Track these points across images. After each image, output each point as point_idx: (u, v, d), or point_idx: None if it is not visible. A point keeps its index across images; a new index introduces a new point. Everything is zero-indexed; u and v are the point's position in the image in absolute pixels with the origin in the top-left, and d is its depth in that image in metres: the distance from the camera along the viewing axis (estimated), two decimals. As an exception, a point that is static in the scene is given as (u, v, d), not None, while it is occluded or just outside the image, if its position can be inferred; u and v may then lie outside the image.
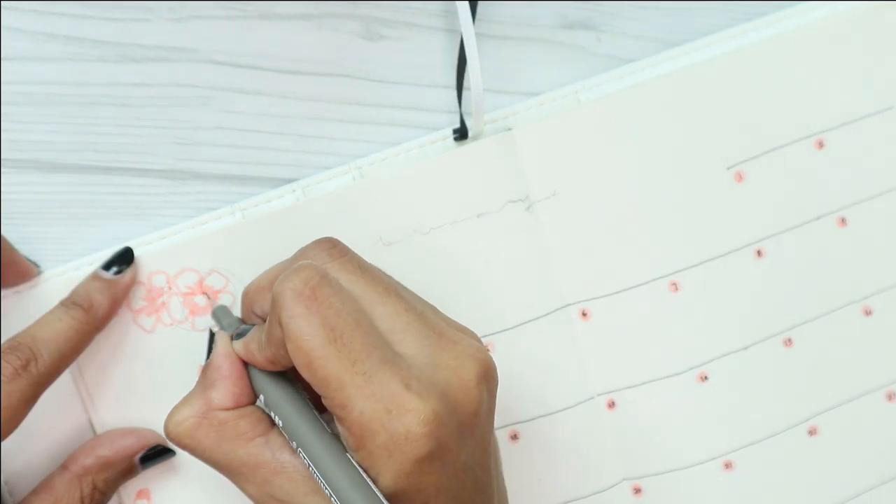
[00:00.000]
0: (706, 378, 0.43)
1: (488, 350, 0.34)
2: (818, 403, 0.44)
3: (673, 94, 0.42)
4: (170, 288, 0.39)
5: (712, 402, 0.43)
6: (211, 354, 0.35)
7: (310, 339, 0.31)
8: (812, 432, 0.44)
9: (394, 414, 0.30)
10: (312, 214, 0.39)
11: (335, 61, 0.40)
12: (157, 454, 0.39)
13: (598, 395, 0.42)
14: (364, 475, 0.31)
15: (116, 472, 0.38)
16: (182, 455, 0.39)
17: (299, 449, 0.32)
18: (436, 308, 0.35)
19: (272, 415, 0.33)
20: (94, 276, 0.37)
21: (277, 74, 0.40)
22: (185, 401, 0.34)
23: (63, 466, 0.37)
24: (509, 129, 0.41)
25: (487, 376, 0.33)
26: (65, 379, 0.38)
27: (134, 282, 0.38)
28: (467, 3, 0.39)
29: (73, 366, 0.38)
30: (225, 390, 0.34)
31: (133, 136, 0.39)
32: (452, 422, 0.31)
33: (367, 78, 0.41)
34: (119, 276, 0.38)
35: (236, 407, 0.34)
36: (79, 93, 0.38)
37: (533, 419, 0.42)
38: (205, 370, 0.35)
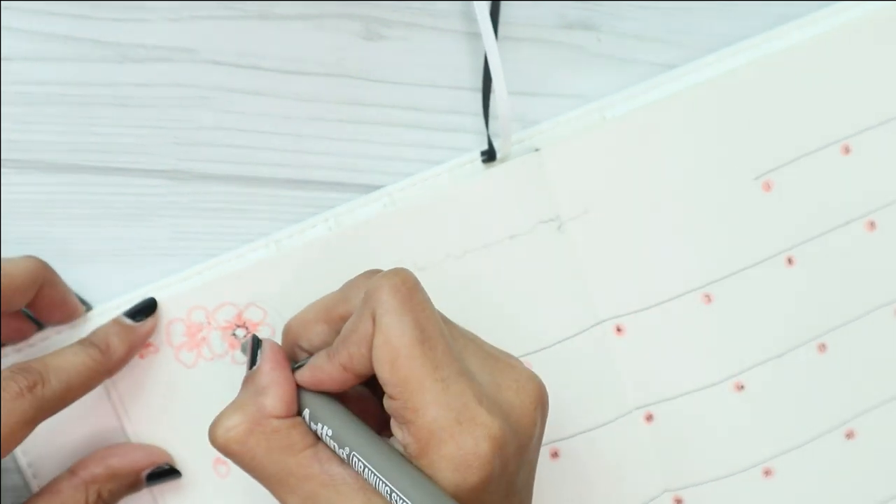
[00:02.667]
0: (742, 387, 0.43)
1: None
2: (854, 406, 0.44)
3: (696, 106, 0.42)
4: (209, 323, 0.39)
5: (749, 410, 0.43)
6: (258, 361, 0.34)
7: (401, 335, 0.31)
8: (850, 435, 0.44)
9: (464, 426, 0.30)
10: (345, 244, 0.40)
11: (335, 61, 0.40)
12: (164, 473, 0.39)
13: (636, 408, 0.42)
14: (428, 478, 0.30)
15: (122, 485, 0.38)
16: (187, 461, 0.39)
17: (354, 455, 0.31)
18: (480, 337, 0.35)
19: (319, 427, 0.33)
20: (115, 322, 0.38)
21: (277, 74, 0.40)
22: (235, 407, 0.33)
23: (71, 471, 0.37)
24: (537, 150, 0.41)
25: (543, 401, 0.34)
26: (109, 413, 0.39)
27: (153, 331, 0.39)
28: (491, 27, 0.40)
29: (118, 403, 0.39)
30: (277, 398, 0.33)
31: (133, 136, 0.39)
32: (514, 443, 0.32)
33: (368, 78, 0.41)
34: (139, 323, 0.38)
35: (288, 416, 0.33)
36: (79, 93, 0.38)
37: (573, 436, 0.42)
38: (252, 377, 0.34)
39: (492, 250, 0.41)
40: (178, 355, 0.39)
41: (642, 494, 0.42)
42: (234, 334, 0.39)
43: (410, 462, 0.31)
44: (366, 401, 0.35)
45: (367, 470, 0.31)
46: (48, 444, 0.38)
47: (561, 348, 0.41)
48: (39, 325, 0.38)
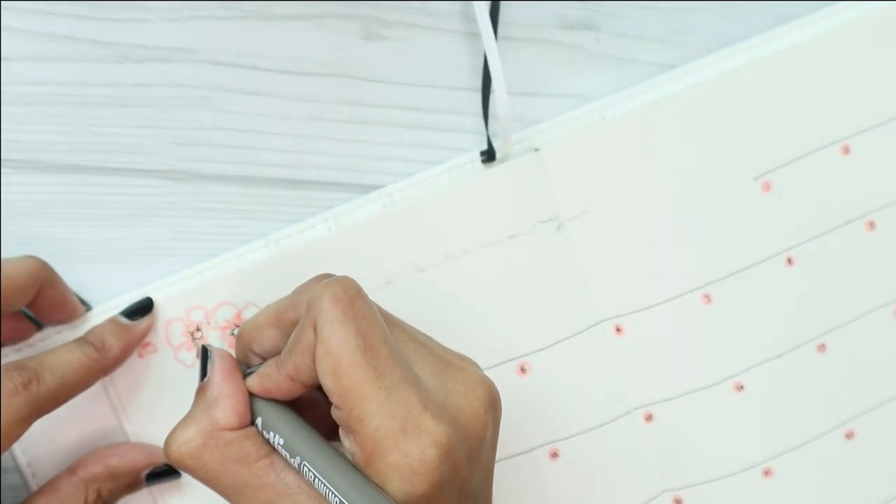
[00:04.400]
0: (742, 387, 0.43)
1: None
2: (854, 407, 0.44)
3: (696, 106, 0.42)
4: (208, 322, 0.39)
5: (749, 410, 0.43)
6: (209, 373, 0.34)
7: (343, 344, 0.31)
8: (849, 436, 0.44)
9: (409, 434, 0.30)
10: (345, 244, 0.40)
11: (335, 61, 0.40)
12: (163, 473, 0.38)
13: (636, 409, 0.42)
14: (376, 486, 0.30)
15: (122, 484, 0.38)
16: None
17: (304, 464, 0.32)
18: (435, 340, 0.35)
19: (272, 436, 0.33)
20: (112, 320, 0.38)
21: (277, 74, 0.40)
22: (187, 421, 0.33)
23: (70, 470, 0.37)
24: (536, 150, 0.41)
25: (494, 403, 0.33)
26: (108, 413, 0.39)
27: (149, 330, 0.39)
28: (490, 27, 0.40)
29: (118, 402, 0.39)
30: (230, 409, 0.33)
31: (133, 136, 0.39)
32: (463, 447, 0.31)
33: (367, 78, 0.41)
34: (135, 322, 0.38)
35: (241, 427, 0.33)
36: (79, 93, 0.38)
37: (572, 436, 0.42)
38: (204, 389, 0.34)
39: (491, 250, 0.41)
40: (178, 355, 0.39)
41: (642, 494, 0.42)
42: (233, 334, 0.39)
43: (359, 471, 0.31)
44: (320, 407, 0.35)
45: (317, 480, 0.31)
46: (47, 444, 0.38)
47: (561, 348, 0.41)
48: (39, 326, 0.38)
